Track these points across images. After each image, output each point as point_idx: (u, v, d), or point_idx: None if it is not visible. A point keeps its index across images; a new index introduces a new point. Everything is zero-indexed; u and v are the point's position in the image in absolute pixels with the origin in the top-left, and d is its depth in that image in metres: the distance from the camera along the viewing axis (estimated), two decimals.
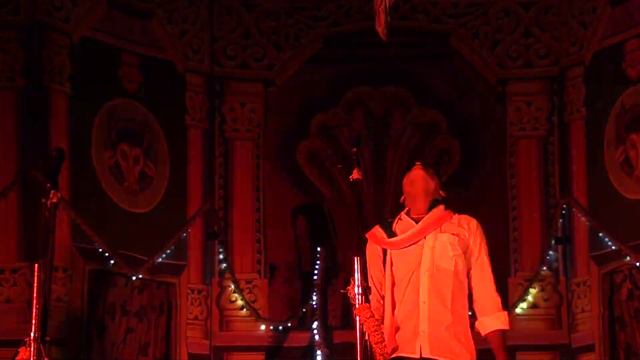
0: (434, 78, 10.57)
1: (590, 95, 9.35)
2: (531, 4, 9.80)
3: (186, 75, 9.62)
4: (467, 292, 5.29)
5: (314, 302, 9.69)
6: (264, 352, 9.61)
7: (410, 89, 10.55)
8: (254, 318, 9.63)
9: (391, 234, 5.40)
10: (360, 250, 5.19)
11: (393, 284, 5.33)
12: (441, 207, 5.42)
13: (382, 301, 5.38)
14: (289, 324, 9.81)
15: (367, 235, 5.45)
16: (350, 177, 5.33)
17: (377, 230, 5.46)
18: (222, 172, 9.81)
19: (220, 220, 9.69)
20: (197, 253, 9.50)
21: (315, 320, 9.59)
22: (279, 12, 10.01)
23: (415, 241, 5.32)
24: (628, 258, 8.63)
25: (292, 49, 10.01)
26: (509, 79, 9.84)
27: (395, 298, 5.30)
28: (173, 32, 9.52)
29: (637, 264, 8.54)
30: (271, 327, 9.69)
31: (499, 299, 5.28)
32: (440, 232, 5.32)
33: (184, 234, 9.35)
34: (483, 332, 5.25)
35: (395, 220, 5.46)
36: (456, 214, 5.42)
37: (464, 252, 5.29)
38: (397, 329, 5.27)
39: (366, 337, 5.00)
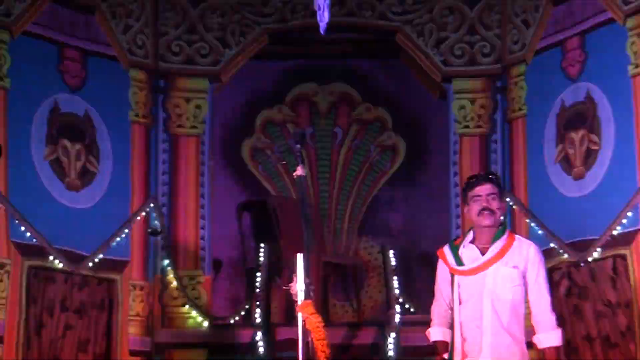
0: (379, 75, 10.65)
1: (532, 93, 9.43)
2: (475, 2, 9.86)
3: (130, 70, 9.57)
4: (523, 316, 5.79)
5: (257, 299, 9.67)
6: (206, 349, 9.58)
7: (355, 86, 10.61)
8: (196, 315, 9.60)
9: (458, 261, 5.81)
10: (303, 247, 5.25)
11: (460, 303, 5.80)
12: (504, 237, 5.78)
13: (449, 311, 5.90)
14: (232, 321, 9.80)
15: (437, 253, 5.96)
16: (294, 173, 5.42)
17: (447, 252, 5.90)
18: (166, 168, 9.78)
19: (164, 216, 9.65)
20: (139, 249, 9.47)
21: (258, 317, 9.57)
22: (225, 7, 9.99)
23: (481, 271, 5.76)
24: (566, 255, 8.69)
25: (238, 45, 9.99)
26: (453, 77, 9.89)
27: (461, 316, 5.79)
28: (117, 27, 9.46)
29: (575, 261, 8.61)
30: (214, 324, 9.67)
31: (554, 317, 5.77)
32: (503, 264, 5.74)
33: (127, 230, 9.30)
34: (539, 347, 5.82)
35: (462, 244, 5.84)
36: (517, 238, 5.85)
37: (522, 278, 5.76)
38: (464, 341, 5.79)
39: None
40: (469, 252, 5.82)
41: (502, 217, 5.85)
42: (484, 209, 5.71)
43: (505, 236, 5.79)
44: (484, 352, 5.71)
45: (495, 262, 5.74)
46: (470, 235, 5.86)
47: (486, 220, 5.74)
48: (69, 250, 8.77)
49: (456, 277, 5.83)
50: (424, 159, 10.51)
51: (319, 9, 6.44)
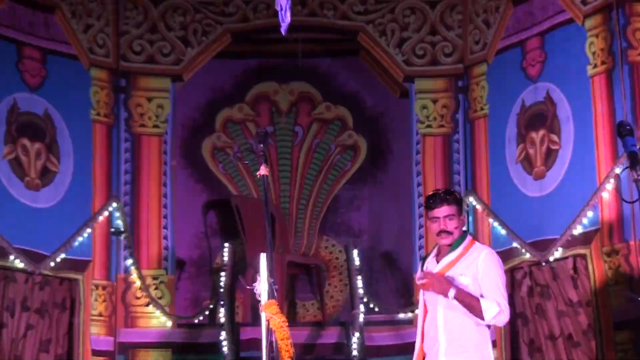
0: (341, 74, 10.65)
1: (493, 93, 9.48)
2: (437, 2, 9.90)
3: (91, 69, 9.53)
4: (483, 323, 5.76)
5: (221, 299, 9.66)
6: (170, 349, 9.55)
7: (316, 85, 10.61)
8: (160, 314, 9.57)
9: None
10: (267, 246, 5.25)
11: (425, 313, 5.92)
12: (460, 246, 5.83)
13: None
14: (196, 320, 9.79)
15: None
16: (258, 173, 5.43)
17: (419, 269, 6.03)
18: (128, 167, 9.75)
19: (126, 216, 9.62)
20: (102, 249, 9.43)
21: (222, 317, 9.56)
22: (186, 7, 9.97)
23: None
24: (528, 255, 8.72)
25: (200, 44, 9.98)
26: (415, 76, 9.92)
27: (424, 327, 5.91)
28: (77, 26, 9.42)
29: (538, 261, 8.64)
30: (177, 324, 9.65)
31: (501, 302, 5.68)
32: (453, 273, 5.79)
33: (89, 230, 9.26)
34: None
35: (427, 259, 5.97)
36: (475, 245, 5.89)
37: (474, 283, 5.76)
38: (425, 355, 5.87)
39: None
40: (430, 266, 5.93)
41: (462, 230, 5.90)
42: (441, 231, 5.84)
43: (462, 246, 5.87)
44: None
45: (445, 273, 5.79)
46: (435, 250, 5.99)
47: (444, 241, 5.88)
48: (30, 249, 8.71)
49: (421, 291, 5.95)
50: (385, 158, 10.53)
51: (281, 9, 6.43)
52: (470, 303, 5.66)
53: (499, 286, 5.74)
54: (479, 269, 5.78)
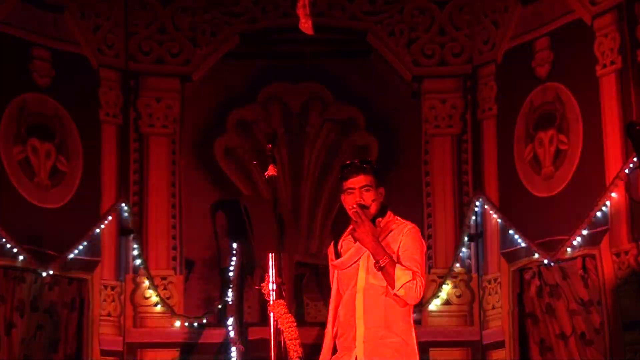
0: (351, 74, 10.63)
1: (502, 93, 9.48)
2: (445, 2, 9.90)
3: (100, 70, 9.55)
4: (407, 306, 5.33)
5: (229, 299, 9.68)
6: (178, 349, 9.57)
7: (327, 85, 10.59)
8: (168, 314, 9.59)
9: (337, 254, 5.51)
10: (275, 246, 5.24)
11: (340, 297, 5.45)
12: (378, 222, 5.39)
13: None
14: (204, 321, 9.80)
15: (327, 252, 5.61)
16: (266, 173, 5.38)
17: (330, 249, 5.58)
18: (137, 167, 9.77)
19: (135, 216, 9.64)
20: (111, 249, 9.44)
21: (230, 317, 9.58)
22: (195, 7, 9.99)
23: (353, 262, 5.42)
24: (537, 255, 8.73)
25: (209, 45, 10.00)
26: (424, 77, 9.93)
27: (340, 310, 5.43)
28: (86, 26, 9.45)
29: (545, 261, 8.64)
30: (186, 324, 9.66)
31: (416, 272, 5.22)
32: None
33: (98, 230, 9.28)
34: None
35: (342, 237, 5.53)
36: (398, 220, 5.43)
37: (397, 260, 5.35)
38: (337, 336, 5.41)
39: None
40: (346, 244, 5.51)
41: (379, 204, 5.43)
42: (357, 205, 5.36)
43: (379, 221, 5.40)
44: (357, 347, 5.32)
45: (366, 251, 5.37)
46: (350, 227, 5.49)
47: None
48: (39, 250, 8.73)
49: (337, 272, 5.54)
50: (396, 158, 10.51)
51: (300, 10, 6.41)
52: (389, 272, 5.24)
53: (417, 258, 5.31)
54: (400, 244, 5.35)
